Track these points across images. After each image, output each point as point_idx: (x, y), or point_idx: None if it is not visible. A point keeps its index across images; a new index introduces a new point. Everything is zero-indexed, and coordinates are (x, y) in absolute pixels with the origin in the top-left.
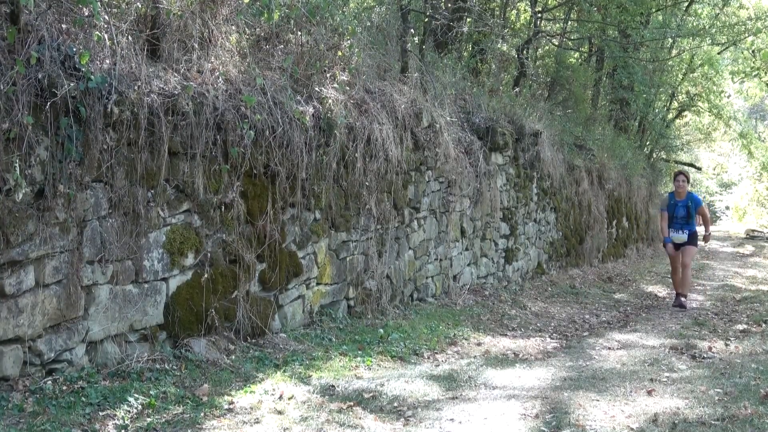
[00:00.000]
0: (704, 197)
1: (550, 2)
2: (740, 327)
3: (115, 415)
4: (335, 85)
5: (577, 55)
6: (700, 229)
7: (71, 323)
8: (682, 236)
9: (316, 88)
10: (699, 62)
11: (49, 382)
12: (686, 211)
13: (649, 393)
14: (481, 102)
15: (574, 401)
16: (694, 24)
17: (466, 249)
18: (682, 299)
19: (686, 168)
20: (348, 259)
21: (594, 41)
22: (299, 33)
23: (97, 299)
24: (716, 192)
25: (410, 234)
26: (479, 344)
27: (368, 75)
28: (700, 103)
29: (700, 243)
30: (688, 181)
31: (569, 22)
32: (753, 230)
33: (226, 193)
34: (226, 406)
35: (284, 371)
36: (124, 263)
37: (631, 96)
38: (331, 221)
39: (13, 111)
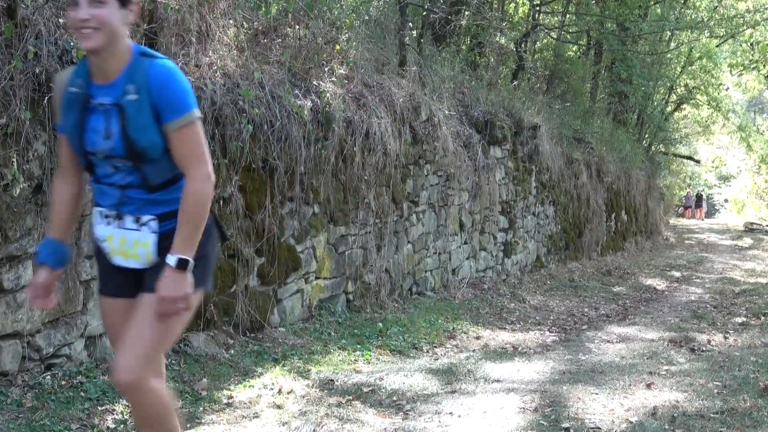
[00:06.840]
0: (703, 189)
1: None
2: (739, 320)
3: (114, 410)
4: (333, 78)
5: (575, 48)
6: None
7: (70, 318)
8: (115, 237)
9: (314, 82)
10: (697, 55)
11: (48, 377)
12: (119, 137)
13: (648, 386)
14: (480, 95)
15: (573, 395)
16: (693, 17)
17: (465, 242)
18: None
19: None
20: (347, 253)
21: (592, 34)
22: (297, 27)
23: (96, 294)
24: (715, 185)
25: (409, 228)
26: (478, 338)
27: (366, 69)
28: (698, 96)
29: None
30: None
31: (567, 15)
32: (752, 223)
33: (224, 188)
34: (225, 401)
35: (283, 365)
36: None
37: (629, 89)
38: (330, 215)
39: (10, 106)
